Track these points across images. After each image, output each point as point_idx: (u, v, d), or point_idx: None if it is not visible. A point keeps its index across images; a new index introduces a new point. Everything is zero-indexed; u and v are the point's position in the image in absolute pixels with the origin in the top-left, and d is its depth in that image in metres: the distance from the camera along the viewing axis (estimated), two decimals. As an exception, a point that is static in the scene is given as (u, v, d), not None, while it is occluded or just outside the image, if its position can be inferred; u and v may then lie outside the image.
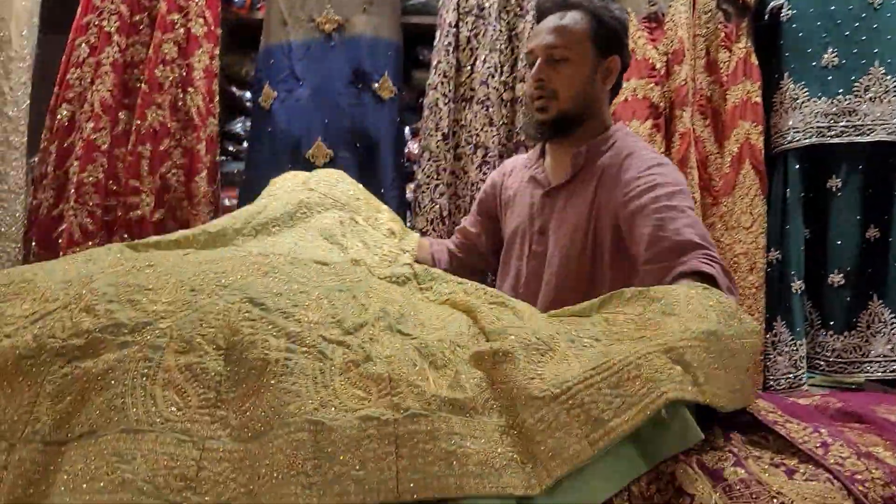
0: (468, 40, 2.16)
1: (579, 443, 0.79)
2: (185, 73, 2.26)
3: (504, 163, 1.81)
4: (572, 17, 1.49)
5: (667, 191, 1.34)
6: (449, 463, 0.77)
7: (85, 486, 0.74)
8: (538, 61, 1.49)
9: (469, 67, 2.15)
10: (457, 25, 2.16)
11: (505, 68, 2.15)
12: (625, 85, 2.20)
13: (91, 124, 2.15)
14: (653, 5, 2.16)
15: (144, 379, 0.83)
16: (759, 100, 2.16)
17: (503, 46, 2.14)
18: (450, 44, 2.15)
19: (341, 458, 0.76)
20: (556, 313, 1.12)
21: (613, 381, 0.85)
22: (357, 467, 0.75)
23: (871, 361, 2.06)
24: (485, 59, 2.11)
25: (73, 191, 2.11)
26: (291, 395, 0.82)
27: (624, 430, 0.80)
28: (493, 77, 2.10)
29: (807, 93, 2.11)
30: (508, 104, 2.15)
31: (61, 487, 0.75)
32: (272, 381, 0.83)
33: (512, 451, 0.80)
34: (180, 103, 2.26)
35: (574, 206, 1.49)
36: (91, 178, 2.13)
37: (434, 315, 1.07)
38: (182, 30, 2.26)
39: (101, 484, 0.73)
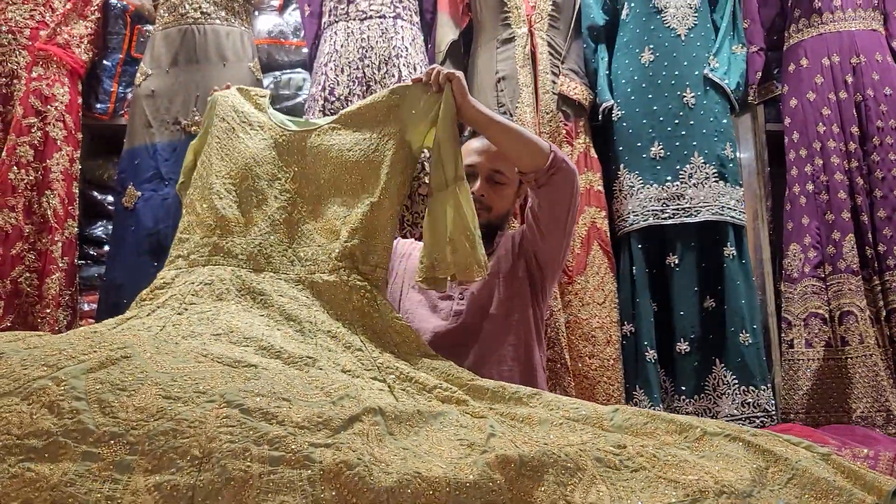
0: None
1: None
2: (41, 176, 2.21)
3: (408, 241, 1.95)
4: None
5: None
6: None
7: None
8: (480, 178, 1.73)
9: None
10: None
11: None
12: (481, 177, 2.37)
13: (-66, 228, 2.04)
14: (501, 106, 2.37)
15: (110, 503, 0.79)
16: (601, 188, 2.39)
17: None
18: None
19: None
20: (554, 405, 1.15)
21: None
22: None
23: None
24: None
25: (-89, 296, 1.97)
26: None
27: None
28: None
29: (640, 181, 2.36)
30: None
31: None
32: (255, 499, 0.80)
33: None
34: (35, 206, 2.20)
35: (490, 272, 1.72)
36: (-67, 283, 2.01)
37: (437, 416, 1.05)
38: (39, 133, 2.23)
39: None
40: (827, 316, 2.25)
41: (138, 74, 2.36)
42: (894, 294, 2.22)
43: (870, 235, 2.28)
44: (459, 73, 1.50)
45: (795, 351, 2.29)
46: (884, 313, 2.24)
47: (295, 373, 1.13)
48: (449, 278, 1.44)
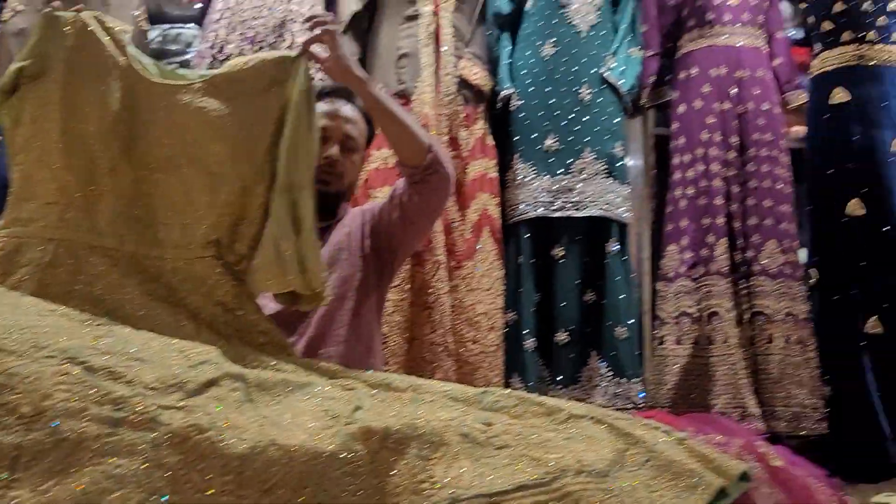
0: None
1: None
2: None
3: None
4: (354, 112, 1.69)
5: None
6: None
7: None
8: (333, 142, 1.65)
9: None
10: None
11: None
12: (377, 153, 2.32)
13: None
14: (401, 84, 2.33)
15: None
16: (495, 175, 2.40)
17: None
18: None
19: None
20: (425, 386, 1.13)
21: None
22: None
23: (593, 412, 2.29)
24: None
25: None
26: (113, 481, 0.72)
27: None
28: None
29: (534, 171, 2.39)
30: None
31: None
32: (88, 462, 0.73)
33: None
34: None
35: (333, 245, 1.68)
36: None
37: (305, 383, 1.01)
38: None
39: None
40: (696, 315, 2.36)
41: (6, 10, 2.16)
42: (757, 298, 2.35)
43: (740, 241, 2.40)
44: (342, 39, 1.40)
45: (665, 347, 2.38)
46: (747, 316, 2.36)
47: (153, 334, 1.06)
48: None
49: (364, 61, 2.42)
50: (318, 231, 1.67)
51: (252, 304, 1.26)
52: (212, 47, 2.15)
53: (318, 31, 1.36)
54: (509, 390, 1.23)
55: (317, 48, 1.36)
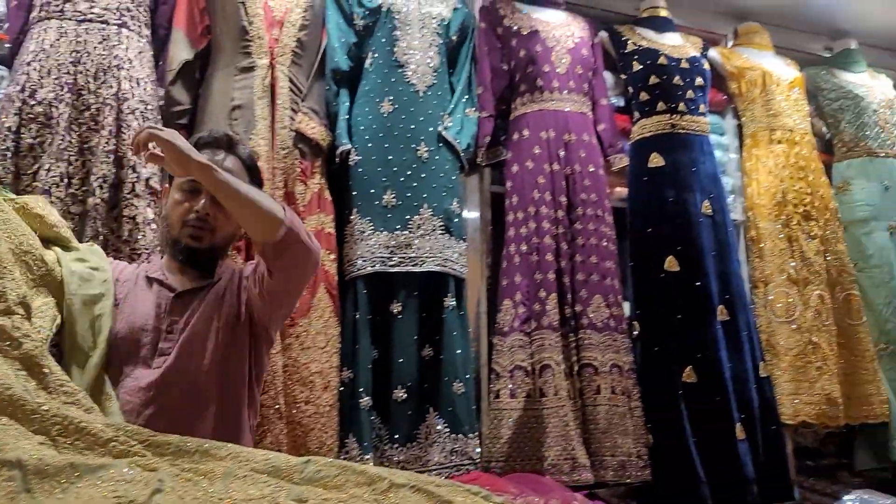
0: (31, 148, 1.99)
1: None
2: None
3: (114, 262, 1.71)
4: (235, 163, 1.63)
5: None
6: None
7: None
8: (204, 195, 1.56)
9: (31, 174, 1.98)
10: (18, 131, 1.99)
11: (74, 181, 2.01)
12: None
13: None
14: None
15: None
16: (332, 230, 2.37)
17: (72, 158, 2.01)
18: (7, 149, 1.96)
19: None
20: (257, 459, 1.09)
21: None
22: None
23: (430, 470, 2.27)
24: (49, 167, 1.96)
25: None
26: None
27: None
28: (56, 187, 1.96)
29: (371, 227, 2.38)
30: (78, 217, 2.01)
31: None
32: None
33: None
34: None
35: (207, 306, 1.58)
36: None
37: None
38: None
39: None
40: (529, 369, 2.43)
41: None
42: (585, 350, 2.46)
43: (569, 296, 2.51)
44: (168, 134, 1.42)
45: (501, 401, 2.42)
46: (576, 368, 2.46)
47: None
48: None
49: (195, 111, 2.34)
50: (193, 290, 1.61)
51: (57, 365, 1.24)
52: (22, 90, 1.98)
53: (144, 152, 1.43)
54: (332, 459, 1.20)
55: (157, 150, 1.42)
